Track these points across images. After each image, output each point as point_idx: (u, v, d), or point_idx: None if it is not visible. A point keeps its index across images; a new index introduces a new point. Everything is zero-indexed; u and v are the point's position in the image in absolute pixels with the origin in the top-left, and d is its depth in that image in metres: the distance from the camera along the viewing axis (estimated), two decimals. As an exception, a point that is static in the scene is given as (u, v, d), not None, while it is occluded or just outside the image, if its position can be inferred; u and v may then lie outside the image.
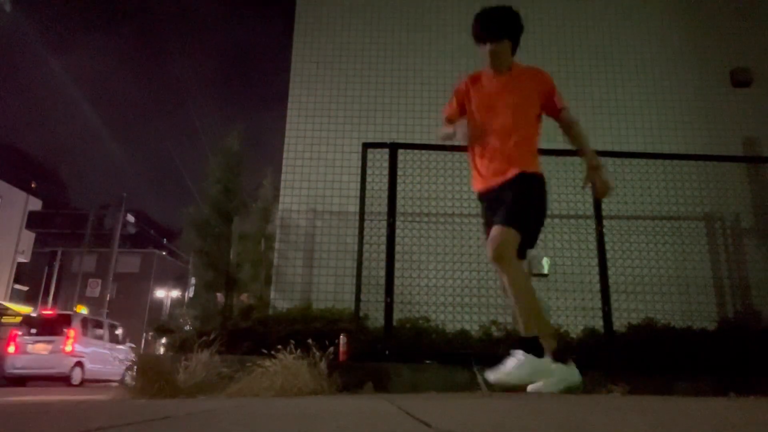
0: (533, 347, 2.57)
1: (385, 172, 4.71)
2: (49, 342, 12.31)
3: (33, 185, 41.54)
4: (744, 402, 2.56)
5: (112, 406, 2.41)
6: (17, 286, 29.40)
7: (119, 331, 15.42)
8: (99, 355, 13.27)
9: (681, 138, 6.12)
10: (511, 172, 2.76)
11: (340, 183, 5.92)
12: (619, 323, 4.50)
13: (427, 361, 4.09)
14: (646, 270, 5.38)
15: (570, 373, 2.61)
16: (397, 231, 4.61)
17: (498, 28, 2.86)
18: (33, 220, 31.12)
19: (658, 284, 5.35)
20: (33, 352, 12.19)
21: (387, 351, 4.11)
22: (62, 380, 12.14)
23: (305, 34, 6.53)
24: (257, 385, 3.24)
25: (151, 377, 3.32)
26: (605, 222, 4.73)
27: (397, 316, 4.40)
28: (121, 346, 14.61)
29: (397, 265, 4.48)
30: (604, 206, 4.73)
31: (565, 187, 5.45)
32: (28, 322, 13.28)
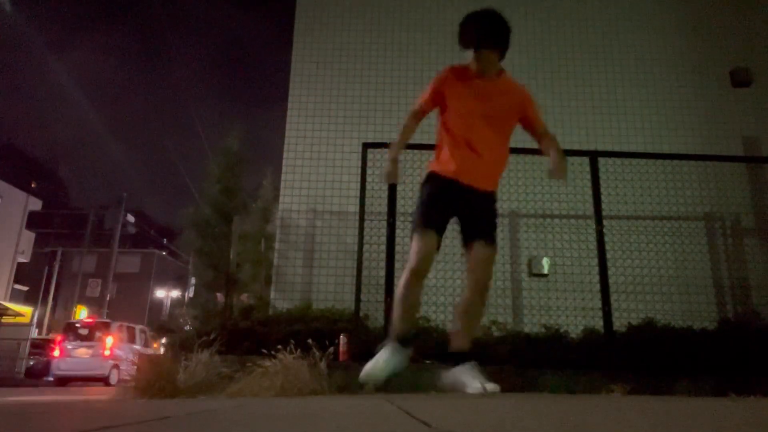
0: (470, 357, 2.72)
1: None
2: (90, 347, 13.81)
3: (33, 185, 41.55)
4: (744, 402, 2.56)
5: (112, 406, 2.41)
6: (17, 286, 29.38)
7: (147, 336, 16.33)
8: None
9: (681, 138, 6.12)
10: (492, 186, 2.85)
11: (340, 183, 5.92)
12: (619, 323, 4.50)
13: (427, 361, 4.09)
14: (646, 270, 5.38)
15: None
16: (397, 231, 4.60)
17: (506, 35, 2.74)
18: (33, 220, 31.11)
19: (658, 284, 5.35)
20: (76, 356, 13.68)
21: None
22: (101, 381, 13.27)
23: (305, 34, 6.53)
24: (257, 385, 3.24)
25: (151, 377, 3.32)
26: (605, 222, 4.73)
27: (397, 316, 4.39)
28: (150, 350, 15.45)
29: (397, 265, 4.48)
30: (604, 206, 4.73)
31: (565, 187, 5.46)
32: (71, 329, 14.76)
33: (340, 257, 5.63)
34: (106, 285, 26.84)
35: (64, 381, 13.44)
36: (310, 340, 3.54)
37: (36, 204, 31.46)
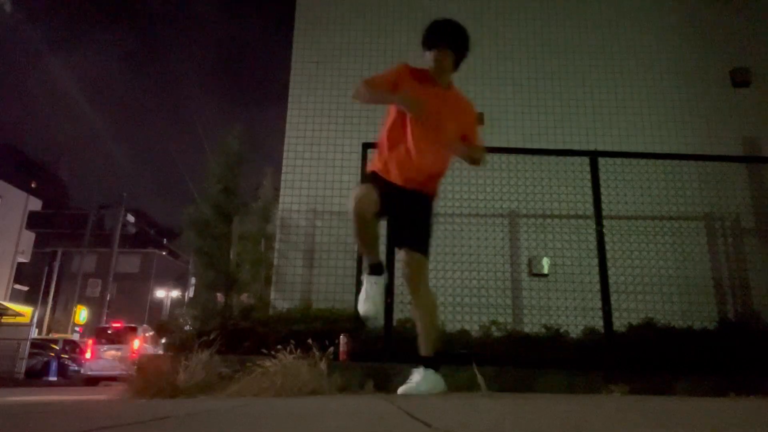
0: (436, 363, 2.93)
1: (385, 172, 4.70)
2: (118, 349, 15.19)
3: (33, 185, 41.54)
4: (744, 402, 2.56)
5: (112, 406, 2.41)
6: (17, 286, 29.40)
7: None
8: None
9: (681, 138, 6.12)
10: (432, 191, 2.98)
11: (340, 183, 5.92)
12: (619, 323, 4.50)
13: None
14: (646, 270, 5.38)
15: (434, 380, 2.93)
16: (397, 231, 4.59)
17: (465, 42, 2.99)
18: (33, 220, 31.12)
19: (658, 284, 5.35)
20: (105, 358, 15.04)
21: (387, 352, 4.11)
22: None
23: (305, 34, 6.53)
24: (257, 385, 3.24)
25: (151, 377, 3.32)
26: (605, 222, 4.73)
27: (397, 316, 4.39)
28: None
29: (397, 265, 4.47)
30: (604, 206, 4.73)
31: (565, 187, 5.46)
32: (101, 333, 16.43)
33: (340, 257, 5.62)
34: (106, 285, 26.89)
35: (94, 381, 14.21)
36: (310, 340, 3.53)
37: (36, 204, 31.48)
